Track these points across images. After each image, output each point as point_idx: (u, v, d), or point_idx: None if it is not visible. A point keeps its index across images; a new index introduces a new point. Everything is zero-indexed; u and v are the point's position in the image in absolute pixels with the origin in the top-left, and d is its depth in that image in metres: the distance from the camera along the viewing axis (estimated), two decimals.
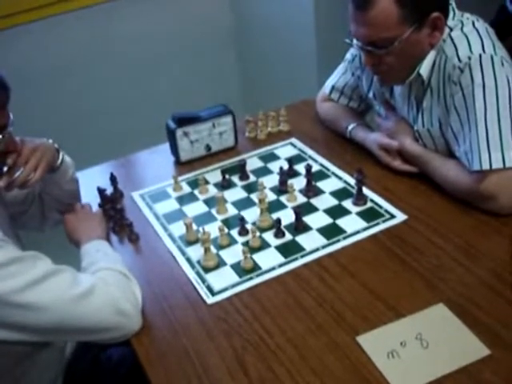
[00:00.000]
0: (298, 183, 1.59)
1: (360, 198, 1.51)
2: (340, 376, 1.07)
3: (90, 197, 1.63)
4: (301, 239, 1.42)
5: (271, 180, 1.63)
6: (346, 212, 1.49)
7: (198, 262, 1.39)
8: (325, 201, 1.54)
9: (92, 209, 1.56)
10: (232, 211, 1.55)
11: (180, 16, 2.97)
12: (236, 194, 1.62)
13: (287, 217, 1.47)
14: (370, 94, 1.72)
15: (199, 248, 1.40)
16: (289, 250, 1.39)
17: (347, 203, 1.52)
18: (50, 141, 1.41)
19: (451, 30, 1.44)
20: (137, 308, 1.21)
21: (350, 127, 1.73)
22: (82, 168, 1.75)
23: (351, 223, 1.45)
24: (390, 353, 1.09)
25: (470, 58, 1.37)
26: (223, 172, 1.66)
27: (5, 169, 1.27)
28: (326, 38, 2.56)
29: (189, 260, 1.40)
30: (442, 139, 1.51)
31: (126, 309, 1.17)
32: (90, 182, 1.67)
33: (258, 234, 1.42)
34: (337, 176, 1.63)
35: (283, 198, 1.57)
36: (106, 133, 2.88)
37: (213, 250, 1.39)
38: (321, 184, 1.60)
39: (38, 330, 1.11)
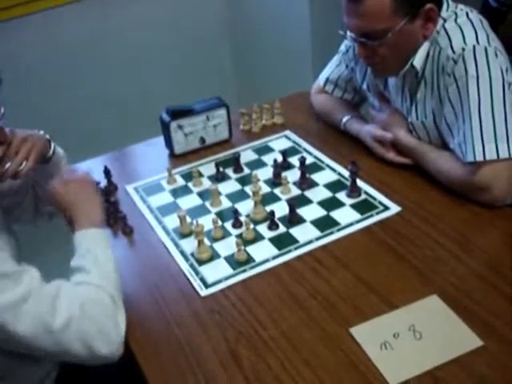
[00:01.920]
0: (292, 175, 1.59)
1: (354, 190, 1.50)
2: (333, 367, 1.07)
3: None
4: (294, 231, 1.41)
5: (265, 172, 1.63)
6: (339, 204, 1.49)
7: (192, 254, 1.38)
8: (319, 193, 1.54)
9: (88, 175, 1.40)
10: (226, 204, 1.54)
11: (175, 8, 2.95)
12: (230, 186, 1.62)
13: (281, 209, 1.47)
14: (364, 86, 1.72)
15: (193, 240, 1.40)
16: (282, 242, 1.39)
17: (341, 195, 1.51)
18: (42, 132, 1.41)
19: (445, 21, 1.44)
20: (113, 346, 1.13)
21: (344, 119, 1.73)
22: (76, 161, 1.75)
23: (345, 215, 1.44)
24: (383, 344, 1.09)
25: (463, 50, 1.37)
26: (217, 165, 1.66)
27: None
28: (320, 30, 2.55)
29: (182, 252, 1.40)
30: (435, 131, 1.50)
31: (99, 352, 1.12)
32: None
33: (251, 226, 1.41)
34: (331, 168, 1.63)
35: (277, 191, 1.56)
36: (101, 126, 2.87)
37: (206, 242, 1.39)
38: (315, 176, 1.60)
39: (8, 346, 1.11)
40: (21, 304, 1.07)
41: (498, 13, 2.35)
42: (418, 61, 1.46)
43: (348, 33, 1.49)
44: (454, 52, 1.39)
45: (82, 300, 1.13)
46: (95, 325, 1.12)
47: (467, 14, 1.44)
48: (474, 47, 1.36)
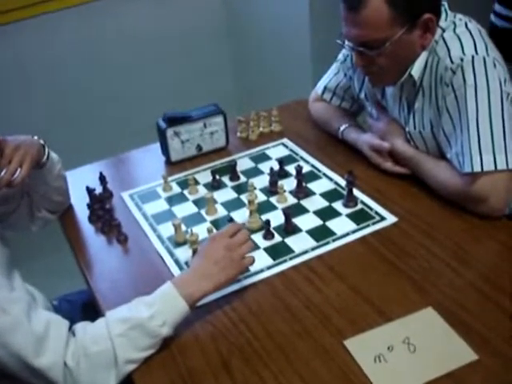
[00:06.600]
0: (289, 184, 1.57)
1: (350, 200, 1.49)
2: (326, 380, 1.06)
3: (79, 196, 1.62)
4: (290, 241, 1.40)
5: (262, 181, 1.62)
6: (336, 214, 1.47)
7: (187, 263, 1.37)
8: (315, 202, 1.53)
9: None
10: (221, 212, 1.53)
11: (172, 14, 2.95)
12: (226, 194, 1.60)
13: (277, 218, 1.46)
14: (362, 95, 1.71)
15: (188, 249, 1.39)
16: (277, 251, 1.38)
17: (337, 205, 1.50)
18: (35, 137, 1.40)
19: (443, 31, 1.43)
20: None
21: (341, 128, 1.72)
22: (72, 167, 1.74)
23: (341, 225, 1.43)
24: (377, 357, 1.08)
25: (462, 60, 1.36)
26: (213, 172, 1.65)
27: None
28: (320, 37, 2.54)
29: (177, 261, 1.38)
30: (433, 141, 1.50)
31: None
32: (80, 182, 1.66)
33: None
34: (328, 177, 1.62)
35: (273, 199, 1.55)
36: (97, 132, 2.87)
37: None
38: (311, 185, 1.59)
39: None
40: (3, 335, 1.05)
41: (506, 32, 2.33)
42: (416, 70, 1.46)
43: (346, 42, 1.49)
44: (452, 62, 1.38)
45: (82, 348, 1.09)
46: (87, 378, 1.09)
47: (466, 24, 1.43)
48: (473, 57, 1.36)
